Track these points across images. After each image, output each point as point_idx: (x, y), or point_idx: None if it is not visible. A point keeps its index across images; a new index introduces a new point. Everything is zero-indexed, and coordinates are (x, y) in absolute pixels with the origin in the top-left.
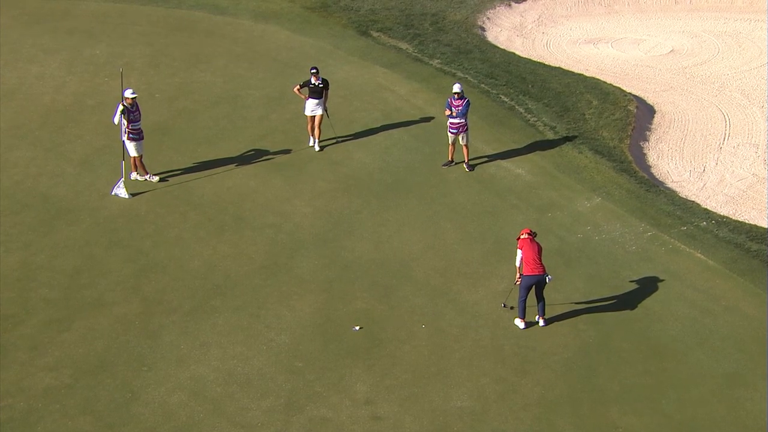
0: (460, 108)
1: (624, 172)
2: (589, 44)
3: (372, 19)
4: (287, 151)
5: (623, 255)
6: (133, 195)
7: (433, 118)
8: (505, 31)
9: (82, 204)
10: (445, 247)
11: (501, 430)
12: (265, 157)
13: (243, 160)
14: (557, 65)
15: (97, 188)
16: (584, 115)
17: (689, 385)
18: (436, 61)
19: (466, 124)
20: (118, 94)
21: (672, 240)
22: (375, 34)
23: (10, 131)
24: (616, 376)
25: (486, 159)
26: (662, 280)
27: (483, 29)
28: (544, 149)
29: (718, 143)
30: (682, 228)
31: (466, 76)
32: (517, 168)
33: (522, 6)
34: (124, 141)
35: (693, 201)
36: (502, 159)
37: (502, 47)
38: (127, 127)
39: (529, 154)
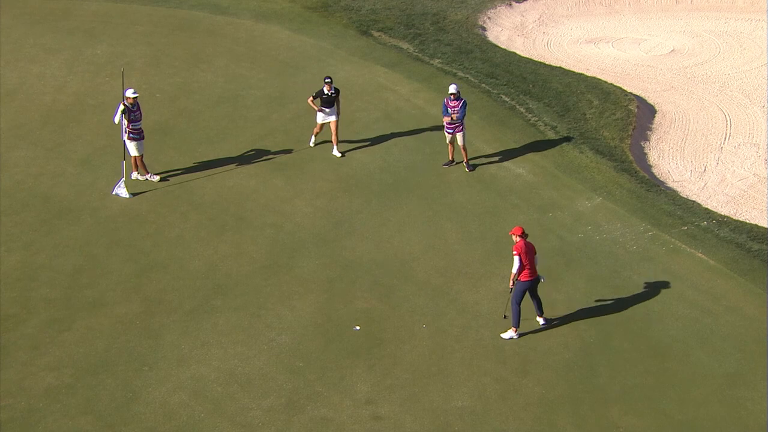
0: (457, 109)
1: (625, 172)
2: (590, 44)
3: (373, 19)
4: (288, 151)
5: (624, 255)
6: (133, 195)
7: (433, 117)
8: (506, 31)
9: (82, 204)
10: (446, 247)
11: (502, 430)
12: (265, 157)
13: (244, 159)
14: (558, 65)
15: (98, 188)
16: (585, 114)
17: (690, 385)
18: (437, 60)
19: (462, 125)
20: (119, 94)
21: (673, 240)
22: (376, 34)
23: (11, 131)
24: (616, 376)
25: (487, 159)
26: (663, 280)
27: (484, 29)
28: (545, 149)
29: (719, 143)
30: (683, 228)
31: (467, 75)
32: (517, 168)
33: (523, 6)
34: (124, 140)
35: (694, 201)
36: (503, 159)
37: (503, 47)
38: (128, 126)
39: (529, 154)
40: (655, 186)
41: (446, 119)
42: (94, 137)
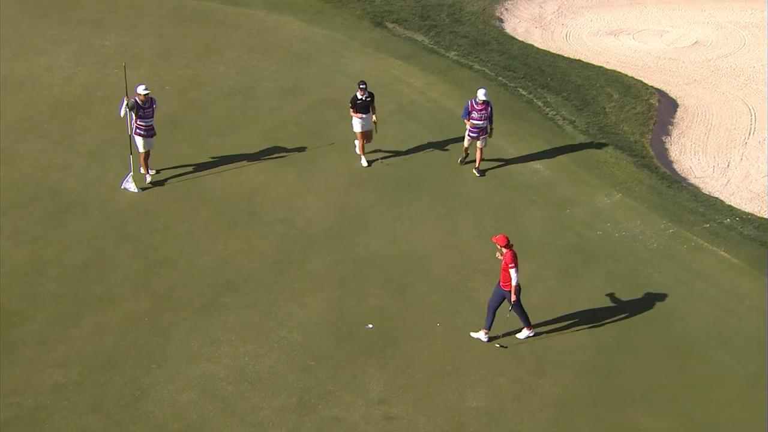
0: (485, 114)
1: (645, 168)
2: (611, 36)
3: (387, 10)
4: (300, 144)
5: (644, 253)
6: (142, 189)
7: (448, 110)
8: (523, 23)
9: (91, 197)
10: (461, 243)
11: (517, 430)
12: (277, 151)
13: (255, 153)
14: (577, 57)
15: (106, 181)
16: (605, 108)
17: (712, 386)
18: (453, 53)
19: (488, 129)
20: (130, 83)
21: (695, 237)
22: (390, 26)
23: (18, 123)
24: (636, 377)
25: (503, 153)
26: (684, 279)
27: (501, 20)
28: (562, 144)
29: (743, 138)
30: (705, 225)
31: (483, 68)
32: (534, 163)
33: None
34: (131, 135)
35: (716, 197)
36: (519, 153)
37: (520, 39)
38: (136, 121)
39: (547, 149)
40: (676, 182)
41: (468, 124)
42: (102, 129)
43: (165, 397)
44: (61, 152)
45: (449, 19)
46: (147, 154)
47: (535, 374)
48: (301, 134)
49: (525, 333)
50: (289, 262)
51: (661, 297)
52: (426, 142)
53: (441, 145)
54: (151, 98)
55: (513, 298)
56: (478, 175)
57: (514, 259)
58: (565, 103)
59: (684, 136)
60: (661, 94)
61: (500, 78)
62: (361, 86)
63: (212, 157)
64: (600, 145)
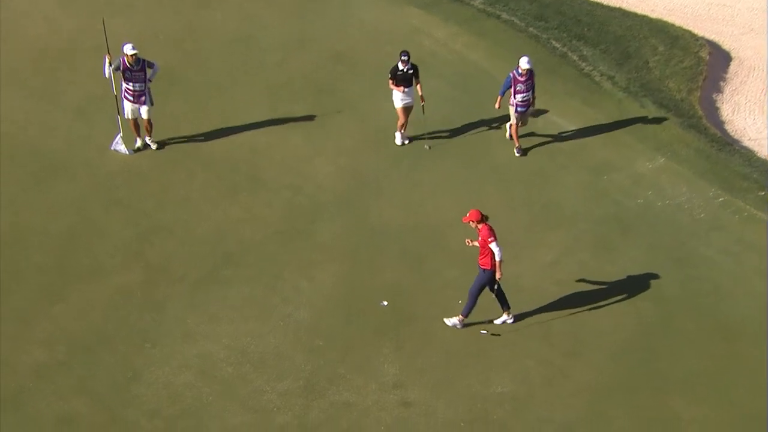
0: (530, 82)
1: (693, 129)
2: None
3: None
4: (308, 103)
5: (690, 223)
6: (134, 151)
7: (473, 64)
8: None
9: (77, 159)
10: (486, 212)
11: (547, 418)
12: (283, 109)
13: (258, 111)
14: (617, 5)
15: (94, 141)
16: (648, 63)
17: (763, 372)
18: (478, 1)
19: (533, 98)
20: (119, 34)
21: (747, 207)
22: None
23: None
24: (679, 361)
25: (534, 113)
26: (735, 252)
27: None
28: (600, 102)
29: None
30: (760, 193)
31: (512, 17)
32: (569, 123)
33: None
34: (118, 97)
35: None
36: (552, 114)
37: None
38: (123, 83)
39: (583, 108)
40: (727, 145)
41: (516, 97)
42: (89, 83)
43: (159, 379)
44: (44, 108)
45: None
46: (135, 123)
47: (568, 357)
48: (310, 91)
49: (503, 318)
50: (296, 231)
51: (708, 272)
52: (448, 99)
53: (464, 103)
54: (142, 59)
55: (499, 274)
56: (518, 154)
57: (493, 233)
58: (604, 56)
59: (737, 93)
60: (713, 45)
61: (530, 29)
62: (402, 57)
63: (211, 116)
64: (642, 104)
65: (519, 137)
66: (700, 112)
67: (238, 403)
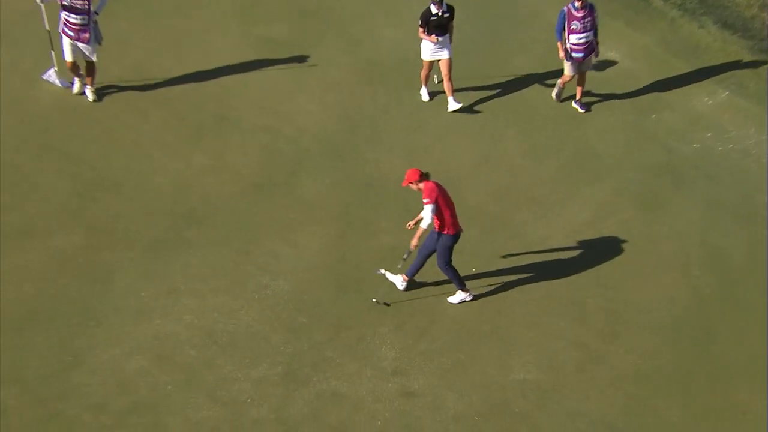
0: (588, 20)
1: (764, 54)
2: None
3: None
4: (288, 25)
5: (759, 173)
6: (71, 83)
7: None
8: None
9: None
10: (507, 161)
11: (580, 411)
12: (257, 33)
13: (226, 36)
14: None
15: (20, 69)
16: None
17: None
18: None
19: (594, 44)
20: None
21: None
22: None
23: None
24: (743, 343)
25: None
26: None
27: None
28: (648, 24)
29: None
30: None
31: None
32: (609, 49)
33: None
34: (52, 32)
35: None
36: None
37: None
38: (62, 11)
39: (627, 31)
40: None
41: (571, 40)
42: None
43: (106, 365)
44: None
45: None
46: (74, 65)
47: (606, 337)
48: (290, 11)
49: (460, 296)
50: (274, 185)
51: None
52: (461, 20)
53: (482, 25)
54: None
55: (414, 242)
56: (581, 110)
57: (432, 193)
58: None
59: None
60: None
61: None
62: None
63: (168, 41)
64: (701, 23)
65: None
66: None
67: (204, 393)
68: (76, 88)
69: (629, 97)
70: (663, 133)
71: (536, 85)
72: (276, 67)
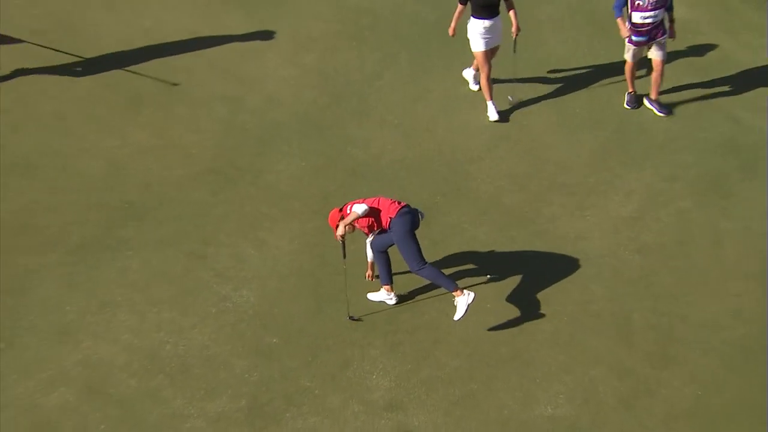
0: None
1: None
2: None
3: None
4: None
5: None
6: None
7: None
8: None
9: None
10: (530, 137)
11: None
12: None
13: None
14: None
15: None
16: None
17: None
18: None
19: (665, 26)
20: None
21: None
22: None
23: None
24: None
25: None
26: None
27: None
28: None
29: None
30: None
31: None
32: None
33: None
34: None
35: None
36: None
37: None
38: None
39: None
40: None
41: (634, 21)
42: None
43: (19, 400)
44: None
45: None
46: None
47: (655, 362)
48: None
49: (382, 295)
50: (236, 169)
51: None
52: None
53: (582, 35)
54: None
55: (339, 231)
56: (660, 113)
57: (346, 207)
58: None
59: None
60: None
61: None
62: None
63: None
64: None
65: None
66: None
67: None
68: None
69: (686, 56)
70: (728, 103)
71: (567, 38)
72: (238, 16)
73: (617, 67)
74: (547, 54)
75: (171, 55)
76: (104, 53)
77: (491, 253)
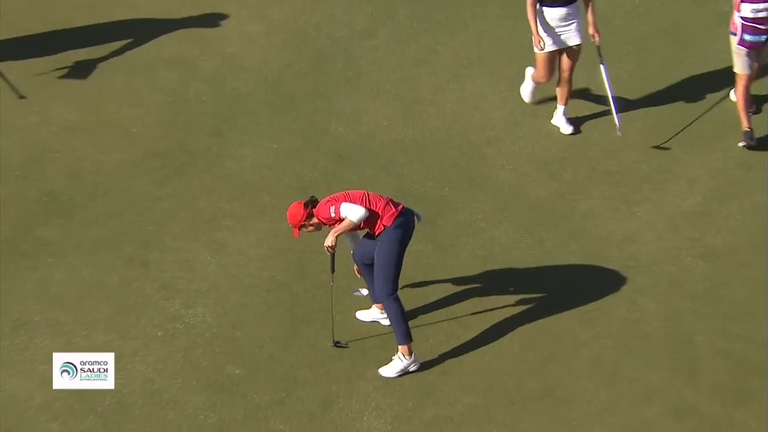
0: None
1: None
2: None
3: None
4: None
5: None
6: None
7: None
8: None
9: None
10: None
11: None
12: None
13: None
14: None
15: None
16: None
17: None
18: None
19: None
20: None
21: None
22: None
23: None
24: None
25: None
26: None
27: None
28: None
29: None
30: None
31: None
32: None
33: None
34: None
35: None
36: None
37: None
38: None
39: None
40: None
41: (741, 11)
42: None
43: None
44: None
45: None
46: None
47: (727, 400)
48: None
49: (374, 313)
50: (188, 152)
51: None
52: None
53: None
54: None
55: (329, 242)
56: (743, 143)
57: (333, 201)
58: None
59: None
60: None
61: None
62: None
63: None
64: None
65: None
66: None
67: None
68: None
69: None
70: None
71: None
72: None
73: (678, 25)
74: None
75: (104, 7)
76: (20, 4)
77: (513, 259)
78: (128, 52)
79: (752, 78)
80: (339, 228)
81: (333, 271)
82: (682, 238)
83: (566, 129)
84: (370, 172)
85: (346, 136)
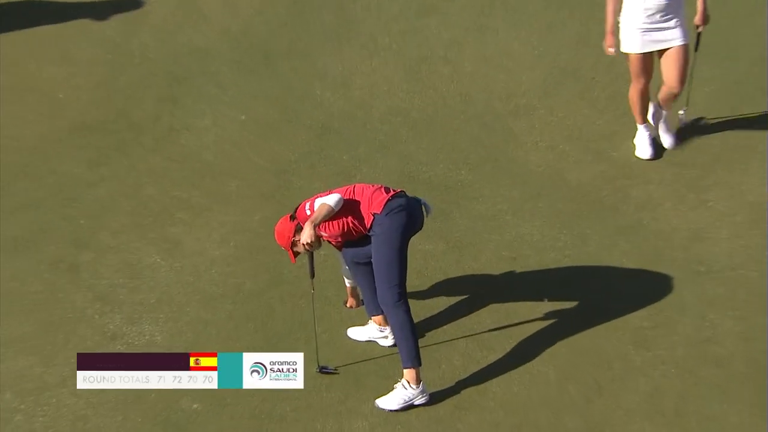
0: None
1: None
2: None
3: None
4: None
5: None
6: None
7: None
8: None
9: None
10: (613, 72)
11: None
12: None
13: None
14: None
15: None
16: None
17: None
18: None
19: None
20: None
21: None
22: None
23: None
24: None
25: None
26: None
27: None
28: None
29: None
30: None
31: None
32: None
33: None
34: None
35: None
36: None
37: None
38: None
39: None
40: None
41: None
42: None
43: None
44: None
45: None
46: None
47: None
48: None
49: (370, 331)
50: (131, 124)
51: None
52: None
53: None
54: None
55: (305, 237)
56: None
57: (306, 204)
58: None
59: None
60: None
61: None
62: None
63: None
64: None
65: None
66: None
67: None
68: None
69: None
70: None
71: None
72: None
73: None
74: None
75: None
76: None
77: (548, 261)
78: (80, 24)
79: None
80: (314, 215)
81: (312, 275)
82: (736, 244)
83: (644, 152)
84: (364, 150)
85: (333, 105)
